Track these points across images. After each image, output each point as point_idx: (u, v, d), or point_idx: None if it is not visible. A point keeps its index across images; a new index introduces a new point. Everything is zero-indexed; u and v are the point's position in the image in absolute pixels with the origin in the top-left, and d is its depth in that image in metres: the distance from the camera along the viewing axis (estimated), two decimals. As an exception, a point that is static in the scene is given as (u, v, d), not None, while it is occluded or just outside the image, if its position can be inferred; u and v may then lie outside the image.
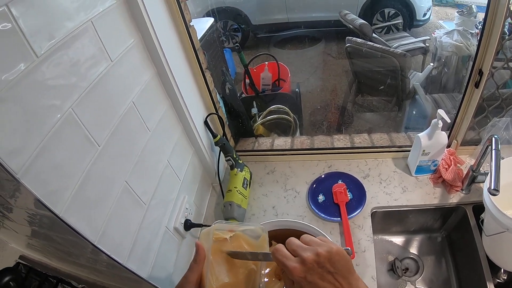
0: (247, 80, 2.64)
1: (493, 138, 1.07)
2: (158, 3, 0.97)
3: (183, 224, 1.10)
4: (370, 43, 2.85)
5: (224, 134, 1.38)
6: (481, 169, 1.26)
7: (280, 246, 0.61)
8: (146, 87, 0.92)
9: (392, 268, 1.39)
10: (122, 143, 0.80)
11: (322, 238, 0.62)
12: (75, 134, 0.64)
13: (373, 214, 1.32)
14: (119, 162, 0.79)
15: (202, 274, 0.68)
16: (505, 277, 1.21)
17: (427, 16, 5.44)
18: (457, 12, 4.15)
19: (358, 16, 3.71)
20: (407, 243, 1.50)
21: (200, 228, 1.22)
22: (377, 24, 5.34)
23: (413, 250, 1.48)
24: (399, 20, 5.31)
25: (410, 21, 5.38)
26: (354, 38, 2.95)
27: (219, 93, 1.47)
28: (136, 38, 0.89)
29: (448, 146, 1.45)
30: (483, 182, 1.28)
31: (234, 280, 0.70)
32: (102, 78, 0.73)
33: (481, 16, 3.94)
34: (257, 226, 0.79)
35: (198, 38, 2.70)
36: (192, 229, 1.15)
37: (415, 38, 4.17)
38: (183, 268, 1.08)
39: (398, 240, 1.51)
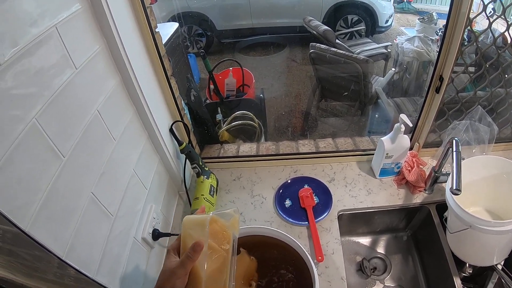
0: (212, 86, 2.62)
1: (454, 141, 1.11)
2: (124, 8, 0.95)
3: (151, 234, 1.07)
4: (334, 49, 2.89)
5: (190, 141, 1.36)
6: (442, 169, 1.30)
7: None
8: (111, 95, 0.89)
9: (361, 268, 1.41)
10: (88, 153, 0.77)
11: None
12: (39, 146, 0.61)
13: (340, 217, 1.33)
14: (85, 173, 0.76)
15: (194, 268, 0.68)
16: (471, 271, 1.26)
17: (389, 23, 5.60)
18: (418, 19, 4.30)
19: (322, 23, 3.76)
20: (374, 243, 1.53)
21: (168, 237, 1.20)
22: (340, 30, 5.45)
23: (380, 249, 1.51)
24: (362, 27, 5.44)
25: (373, 27, 5.53)
26: (317, 44, 2.99)
27: (183, 100, 1.45)
28: (102, 44, 0.86)
29: (411, 148, 1.49)
30: (445, 182, 1.33)
31: (214, 267, 0.71)
32: (67, 86, 0.70)
33: (441, 23, 4.07)
34: (230, 210, 0.79)
35: (163, 44, 2.66)
36: (160, 239, 1.13)
37: (377, 44, 4.28)
38: (153, 278, 1.06)
39: (365, 240, 1.54)
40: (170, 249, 0.72)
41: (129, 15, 0.98)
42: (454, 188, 0.98)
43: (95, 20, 0.84)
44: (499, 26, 1.20)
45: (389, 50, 4.09)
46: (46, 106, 0.64)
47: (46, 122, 0.63)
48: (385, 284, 1.40)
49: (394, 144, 1.31)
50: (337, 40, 3.38)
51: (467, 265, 1.25)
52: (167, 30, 3.13)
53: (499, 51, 1.24)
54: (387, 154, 1.33)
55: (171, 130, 1.25)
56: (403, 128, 1.26)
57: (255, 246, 0.96)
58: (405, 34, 4.40)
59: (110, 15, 0.84)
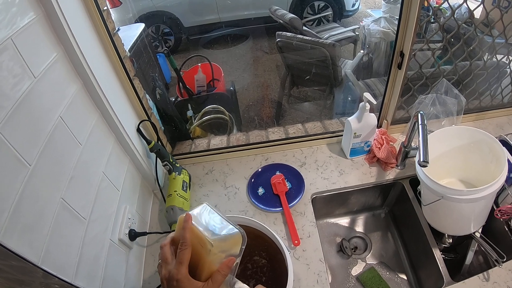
0: (181, 84, 2.63)
1: (419, 114, 1.14)
2: (79, 14, 0.94)
3: (127, 235, 1.08)
4: (300, 36, 2.91)
5: (159, 139, 1.37)
6: (412, 144, 1.33)
7: None
8: (73, 101, 0.89)
9: (341, 249, 1.44)
10: (54, 159, 0.78)
11: None
12: (4, 156, 0.62)
13: (314, 200, 1.36)
14: (53, 179, 0.76)
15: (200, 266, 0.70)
16: (450, 241, 1.29)
17: (355, 6, 5.64)
18: (384, 0, 4.34)
19: (289, 11, 3.78)
20: (352, 223, 1.56)
21: (145, 236, 1.22)
22: (307, 17, 5.46)
23: (359, 229, 1.54)
24: (329, 12, 5.46)
25: (340, 12, 5.54)
26: (284, 32, 2.99)
27: (151, 99, 1.46)
28: (59, 51, 0.86)
29: (380, 126, 1.52)
30: (415, 156, 1.37)
31: None
32: (27, 95, 0.70)
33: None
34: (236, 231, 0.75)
35: (130, 45, 2.64)
36: (138, 239, 1.14)
37: (345, 28, 4.31)
38: (134, 278, 1.08)
39: (344, 221, 1.56)
40: (183, 276, 0.67)
41: (85, 20, 0.97)
42: (421, 160, 1.01)
43: (50, 28, 0.83)
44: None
45: (357, 33, 4.11)
46: (8, 117, 0.63)
47: (9, 132, 0.63)
48: (367, 262, 1.43)
49: (361, 123, 1.33)
50: (304, 27, 3.40)
51: (446, 235, 1.28)
52: (133, 31, 3.08)
53: (459, 24, 1.27)
54: (355, 133, 1.35)
55: (138, 130, 1.25)
56: (368, 106, 1.28)
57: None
58: (372, 16, 4.44)
59: (66, 22, 0.84)
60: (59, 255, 0.73)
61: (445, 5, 1.22)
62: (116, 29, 1.15)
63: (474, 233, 1.20)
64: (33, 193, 0.68)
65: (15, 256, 0.60)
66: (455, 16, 1.26)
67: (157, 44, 5.35)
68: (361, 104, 1.30)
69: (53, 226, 0.72)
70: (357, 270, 1.41)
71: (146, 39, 3.14)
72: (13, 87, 0.67)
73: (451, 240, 1.30)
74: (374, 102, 1.26)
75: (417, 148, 1.31)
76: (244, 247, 0.72)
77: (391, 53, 1.31)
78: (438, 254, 1.19)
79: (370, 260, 1.44)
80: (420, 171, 1.13)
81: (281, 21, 3.50)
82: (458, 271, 1.27)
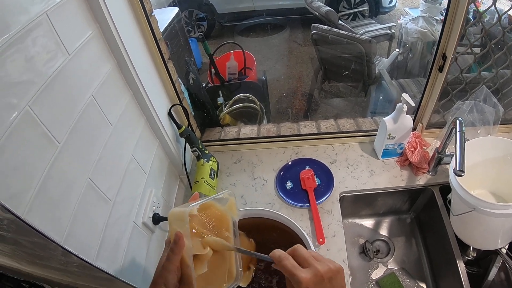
0: (213, 70, 2.62)
1: (457, 121, 1.09)
2: (117, -8, 0.94)
3: (151, 218, 1.08)
4: (336, 29, 2.85)
5: (189, 124, 1.36)
6: (446, 151, 1.28)
7: (287, 255, 0.60)
8: (106, 80, 0.88)
9: (364, 251, 1.42)
10: (83, 138, 0.77)
11: (315, 253, 0.62)
12: (33, 132, 0.61)
13: (342, 199, 1.33)
14: (81, 159, 0.76)
15: (182, 262, 0.65)
16: (474, 254, 1.25)
17: (393, 3, 5.51)
18: (423, -1, 4.23)
19: (325, 4, 3.72)
20: (377, 226, 1.53)
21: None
22: (343, 11, 5.37)
23: (384, 232, 1.51)
24: (365, 7, 5.36)
25: (376, 8, 5.43)
26: (319, 25, 2.95)
27: (183, 84, 1.45)
28: (95, 29, 0.85)
29: (414, 129, 1.48)
30: (449, 163, 1.32)
31: (210, 267, 0.68)
32: (60, 72, 0.70)
33: (446, 3, 3.99)
34: (225, 193, 0.76)
35: (163, 29, 2.65)
36: (161, 223, 1.13)
37: (381, 24, 4.22)
38: (155, 262, 1.06)
39: (368, 223, 1.54)
40: (166, 242, 0.68)
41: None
42: (457, 169, 0.96)
43: (87, 5, 0.82)
44: (506, 7, 1.17)
45: (393, 30, 4.03)
46: (39, 93, 0.63)
47: (39, 109, 0.62)
48: (388, 267, 1.40)
49: (397, 125, 1.29)
50: (339, 21, 3.34)
51: (471, 248, 1.25)
52: (167, 15, 3.08)
53: (504, 30, 1.21)
54: (389, 134, 1.31)
55: (169, 114, 1.24)
56: (405, 108, 1.25)
57: (254, 228, 0.96)
58: (409, 14, 4.32)
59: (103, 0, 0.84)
60: (82, 235, 0.72)
61: (484, 8, 1.16)
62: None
63: (500, 248, 1.16)
64: (60, 171, 0.67)
65: (38, 233, 0.60)
66: (500, 22, 1.20)
67: (190, 29, 5.36)
68: (398, 105, 1.27)
69: (78, 206, 0.72)
70: (377, 273, 1.39)
71: (180, 23, 3.13)
72: (46, 63, 0.67)
73: (475, 254, 1.27)
74: (413, 104, 1.23)
75: (451, 155, 1.28)
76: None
77: (428, 54, 1.26)
78: (462, 267, 1.16)
79: (391, 265, 1.41)
80: (453, 180, 1.09)
81: (317, 14, 3.45)
82: (479, 286, 1.24)
